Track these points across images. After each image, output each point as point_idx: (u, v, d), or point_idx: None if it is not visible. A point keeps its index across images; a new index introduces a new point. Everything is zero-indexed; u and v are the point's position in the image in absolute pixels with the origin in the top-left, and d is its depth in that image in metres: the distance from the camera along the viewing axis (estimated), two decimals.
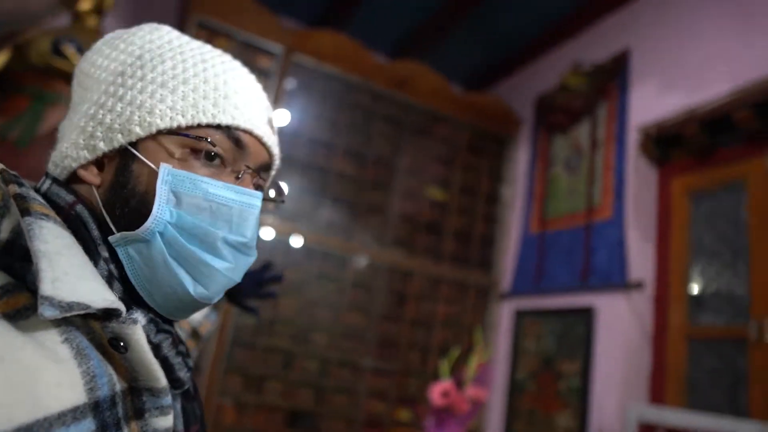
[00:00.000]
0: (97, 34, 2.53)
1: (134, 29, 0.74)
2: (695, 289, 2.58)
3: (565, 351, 2.94)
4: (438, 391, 1.92)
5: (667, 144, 2.79)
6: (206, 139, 0.66)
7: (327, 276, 3.26)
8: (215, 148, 0.66)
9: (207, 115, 0.66)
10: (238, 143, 0.69)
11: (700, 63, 2.67)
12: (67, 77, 2.34)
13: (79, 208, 0.63)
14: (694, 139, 2.62)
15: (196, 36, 3.13)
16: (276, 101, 3.24)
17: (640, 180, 2.87)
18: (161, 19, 3.28)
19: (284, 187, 0.81)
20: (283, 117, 3.29)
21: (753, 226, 2.38)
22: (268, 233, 3.11)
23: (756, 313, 2.26)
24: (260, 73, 3.27)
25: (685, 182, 2.74)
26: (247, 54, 3.27)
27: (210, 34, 3.20)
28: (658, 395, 2.55)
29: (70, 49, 2.40)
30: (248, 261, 0.69)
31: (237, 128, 0.68)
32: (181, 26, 3.21)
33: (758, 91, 2.31)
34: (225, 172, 0.68)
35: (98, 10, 2.62)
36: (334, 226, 3.33)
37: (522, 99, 3.91)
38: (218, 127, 0.67)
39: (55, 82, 2.42)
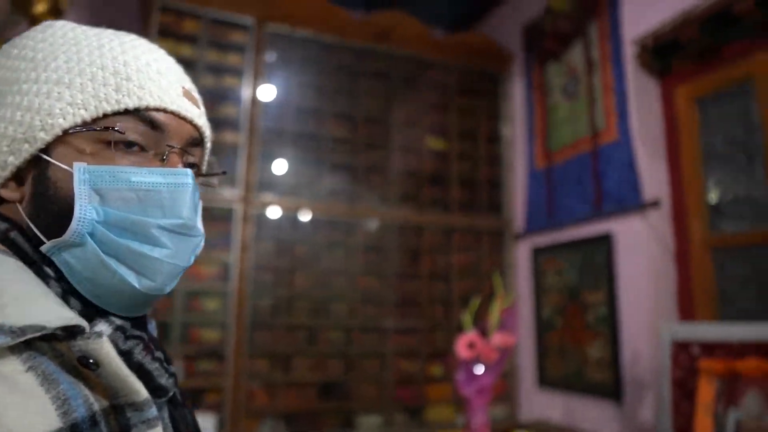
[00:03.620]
0: None
1: (28, 32, 0.68)
2: (713, 198, 2.49)
3: (588, 282, 2.88)
4: (463, 344, 1.87)
5: (667, 53, 2.65)
6: (113, 128, 0.61)
7: (337, 244, 3.20)
8: (125, 135, 0.62)
9: (111, 102, 0.62)
10: (153, 125, 0.64)
11: None
12: None
13: (14, 234, 0.61)
14: (695, 42, 2.48)
15: (162, 22, 3.03)
16: (256, 75, 3.14)
17: (642, 96, 2.74)
18: (123, 11, 3.13)
19: (213, 162, 0.78)
20: (267, 91, 3.19)
21: (766, 125, 2.27)
22: (274, 211, 3.05)
23: None
24: (236, 49, 3.16)
25: (689, 90, 2.61)
26: (219, 32, 3.15)
27: (176, 18, 3.07)
28: (688, 311, 2.49)
29: None
30: (192, 242, 0.66)
31: (147, 108, 0.64)
32: (145, 15, 3.09)
33: None
34: (148, 157, 0.64)
35: (55, 11, 2.51)
36: (337, 192, 3.26)
37: (509, 32, 3.76)
38: (126, 111, 0.63)
39: None
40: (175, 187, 0.63)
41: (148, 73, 0.65)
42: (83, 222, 0.59)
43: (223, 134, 3.05)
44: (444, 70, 3.62)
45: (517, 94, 3.68)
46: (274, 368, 2.93)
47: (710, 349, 2.01)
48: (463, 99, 3.66)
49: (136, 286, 0.61)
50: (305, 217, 3.14)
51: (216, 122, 3.05)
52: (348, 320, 3.11)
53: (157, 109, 0.64)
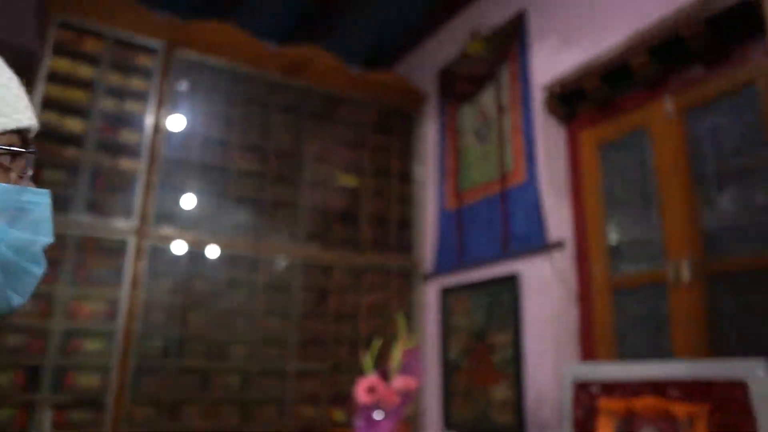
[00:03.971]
0: None
1: None
2: (613, 240, 2.55)
3: (495, 323, 2.86)
4: (363, 388, 1.75)
5: (572, 99, 2.75)
6: None
7: (239, 282, 3.02)
8: None
9: None
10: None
11: (596, 14, 2.63)
12: None
13: None
14: (596, 91, 2.58)
15: (59, 38, 2.81)
16: (161, 102, 2.97)
17: (549, 139, 2.82)
18: (20, 26, 2.87)
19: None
20: (173, 120, 3.02)
21: (660, 171, 2.37)
22: (172, 246, 2.84)
23: (672, 255, 2.25)
24: (141, 73, 2.98)
25: (592, 135, 2.70)
26: (123, 53, 2.97)
27: (76, 35, 2.88)
28: (589, 352, 2.51)
29: None
30: None
31: None
32: (42, 30, 2.87)
33: (652, 36, 2.28)
34: None
35: None
36: (242, 227, 3.10)
37: (425, 73, 3.81)
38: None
39: None
40: None
41: None
42: None
43: (120, 161, 2.84)
44: (358, 107, 3.60)
45: (430, 134, 3.70)
46: (160, 416, 2.67)
47: (610, 388, 2.00)
48: (378, 136, 3.64)
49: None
50: (207, 252, 2.95)
51: (114, 148, 2.85)
52: (246, 363, 2.91)
53: None
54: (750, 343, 1.98)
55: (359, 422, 1.79)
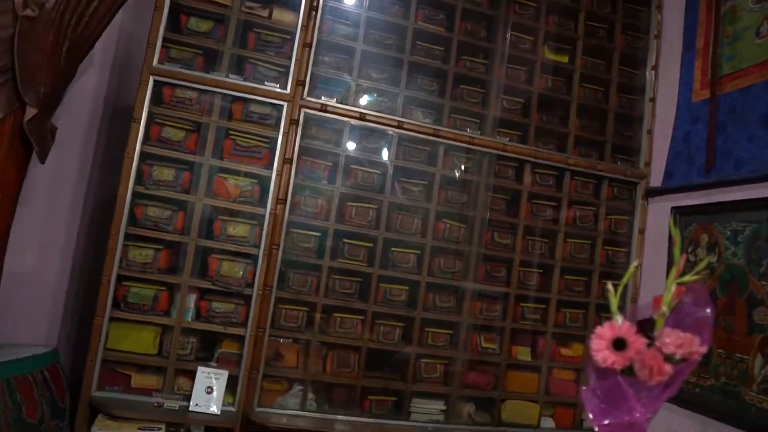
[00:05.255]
0: None
1: None
2: None
3: (765, 267, 1.97)
4: (605, 340, 1.03)
5: None
6: None
7: (411, 172, 2.42)
8: None
9: None
10: None
11: None
12: None
13: None
14: None
15: None
16: None
17: None
18: None
19: None
20: None
21: None
22: (338, 121, 2.31)
23: None
24: None
25: None
26: None
27: None
28: None
29: None
30: None
31: None
32: None
33: None
34: None
35: None
36: (417, 103, 2.46)
37: None
38: None
39: None
40: None
41: None
42: None
43: (276, 12, 2.31)
44: None
45: None
46: (309, 323, 2.25)
47: None
48: (594, 1, 2.72)
49: None
50: (374, 131, 2.38)
51: None
52: (414, 274, 2.36)
53: None
54: None
55: (591, 395, 1.10)
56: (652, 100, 2.68)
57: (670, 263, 2.39)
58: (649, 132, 2.66)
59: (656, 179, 2.58)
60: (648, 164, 2.64)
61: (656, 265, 2.46)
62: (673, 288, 1.09)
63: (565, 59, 2.66)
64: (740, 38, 2.30)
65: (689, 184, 2.37)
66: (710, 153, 2.30)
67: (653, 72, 2.71)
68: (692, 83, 2.49)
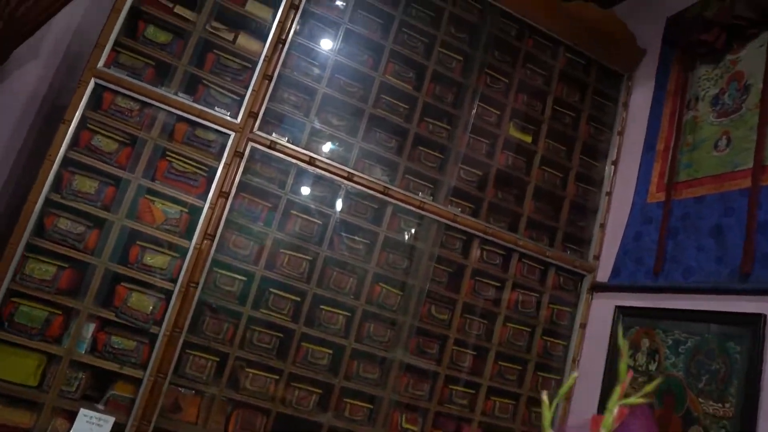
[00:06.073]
0: None
1: None
2: None
3: (704, 381, 1.89)
4: None
5: None
6: None
7: (354, 228, 2.28)
8: None
9: None
10: None
11: None
12: None
13: None
14: None
15: None
16: None
17: None
18: None
19: None
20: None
21: None
22: (286, 161, 2.16)
23: None
24: None
25: None
26: None
27: None
28: None
29: None
30: None
31: None
32: None
33: None
34: None
35: None
36: (372, 157, 2.35)
37: (646, 18, 2.82)
38: None
39: None
40: None
41: None
42: None
43: (239, 36, 2.19)
44: (550, 44, 2.70)
45: (639, 97, 2.73)
46: (218, 375, 2.02)
47: None
48: (566, 88, 2.72)
49: None
50: (322, 178, 2.24)
51: (236, 20, 2.21)
52: (341, 337, 2.17)
53: None
54: None
55: None
56: (609, 194, 2.66)
57: (609, 366, 2.30)
58: (602, 226, 2.62)
59: (603, 274, 2.52)
60: (597, 257, 2.59)
61: (594, 362, 2.36)
62: (615, 410, 0.96)
63: (528, 139, 2.63)
64: (699, 148, 2.32)
65: (636, 284, 2.32)
66: (660, 256, 2.26)
67: (612, 167, 2.70)
68: (649, 184, 2.48)
